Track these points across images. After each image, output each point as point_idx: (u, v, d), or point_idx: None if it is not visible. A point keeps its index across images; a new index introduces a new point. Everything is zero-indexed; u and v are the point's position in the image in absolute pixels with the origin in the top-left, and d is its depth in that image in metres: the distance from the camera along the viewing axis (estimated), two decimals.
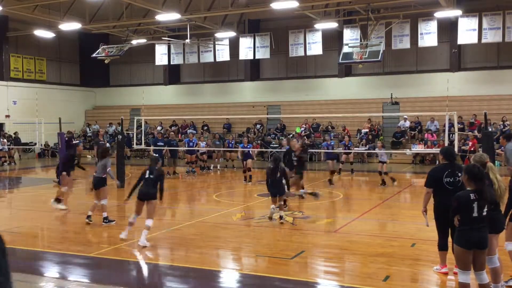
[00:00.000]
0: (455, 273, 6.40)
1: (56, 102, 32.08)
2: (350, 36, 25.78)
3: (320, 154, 26.07)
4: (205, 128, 30.11)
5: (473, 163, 5.97)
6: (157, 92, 33.77)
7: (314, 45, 27.11)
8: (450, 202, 5.67)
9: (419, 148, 24.26)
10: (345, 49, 21.96)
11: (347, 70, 29.42)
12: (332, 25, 25.81)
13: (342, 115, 26.06)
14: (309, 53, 27.43)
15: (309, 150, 21.83)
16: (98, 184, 10.78)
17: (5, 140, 26.69)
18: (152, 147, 21.22)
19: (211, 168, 22.99)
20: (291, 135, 26.28)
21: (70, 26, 25.94)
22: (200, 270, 7.44)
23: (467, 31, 24.37)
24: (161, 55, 31.01)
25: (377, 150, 17.59)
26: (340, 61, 22.44)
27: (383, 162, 16.74)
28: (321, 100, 29.40)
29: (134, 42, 28.61)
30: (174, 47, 30.48)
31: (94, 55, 27.28)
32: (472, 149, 21.28)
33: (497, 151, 15.00)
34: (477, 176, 5.47)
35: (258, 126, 29.65)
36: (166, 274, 7.50)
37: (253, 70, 31.94)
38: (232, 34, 28.12)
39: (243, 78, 32.23)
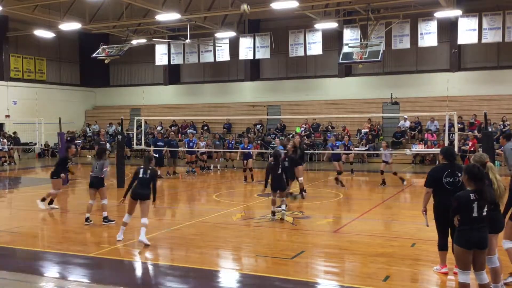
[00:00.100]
0: (455, 273, 6.40)
1: (56, 102, 32.09)
2: (350, 36, 25.78)
3: (320, 155, 26.10)
4: (205, 128, 30.12)
5: (473, 163, 5.97)
6: (157, 92, 33.78)
7: (314, 45, 27.11)
8: (450, 202, 5.67)
9: (419, 148, 24.27)
10: (345, 49, 21.96)
11: (347, 70, 29.42)
12: (332, 25, 25.81)
13: (342, 115, 26.08)
14: (309, 53, 27.44)
15: (306, 151, 21.78)
16: (97, 184, 10.77)
17: (5, 140, 26.71)
18: (152, 147, 21.21)
19: (211, 168, 23.00)
20: (291, 135, 26.30)
21: (70, 26, 25.95)
22: (200, 270, 7.44)
23: (467, 31, 24.37)
24: (161, 55, 31.01)
25: (381, 151, 17.67)
26: (340, 61, 22.45)
27: (386, 162, 16.77)
28: (321, 100, 29.40)
29: (134, 42, 28.61)
30: (174, 47, 30.48)
31: (94, 55, 27.30)
32: (472, 149, 21.28)
33: (497, 151, 14.99)
34: (477, 176, 5.47)
35: (258, 126, 29.66)
36: (166, 274, 7.50)
37: (253, 70, 31.95)
38: (232, 34, 28.12)
39: (243, 78, 32.24)
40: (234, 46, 28.75)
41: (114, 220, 10.68)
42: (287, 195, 12.28)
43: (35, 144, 27.33)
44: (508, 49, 25.90)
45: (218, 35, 28.20)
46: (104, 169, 10.72)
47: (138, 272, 7.91)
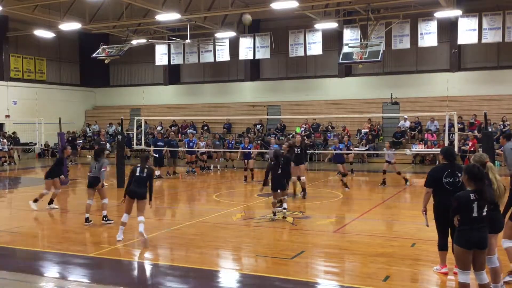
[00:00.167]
0: (455, 273, 6.40)
1: (56, 102, 32.09)
2: (350, 36, 25.79)
3: (320, 155, 26.10)
4: (205, 128, 30.12)
5: (473, 163, 5.97)
6: (157, 92, 33.78)
7: (314, 45, 27.12)
8: (450, 202, 5.67)
9: (419, 148, 24.27)
10: (345, 49, 21.97)
11: (347, 70, 29.42)
12: (332, 25, 25.81)
13: (342, 115, 26.08)
14: (309, 53, 27.45)
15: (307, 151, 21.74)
16: (97, 184, 10.77)
17: (5, 140, 26.71)
18: (152, 147, 21.21)
19: (211, 168, 23.00)
20: (291, 135, 26.30)
21: (70, 26, 25.95)
22: (200, 270, 7.44)
23: (467, 31, 24.38)
24: (161, 55, 31.03)
25: (385, 151, 17.77)
26: (340, 61, 22.45)
27: (389, 162, 16.83)
28: (321, 100, 29.40)
29: (134, 42, 28.62)
30: (174, 47, 30.49)
31: (94, 55, 27.31)
32: (472, 149, 21.28)
33: (497, 151, 15.00)
34: (477, 176, 5.48)
35: (258, 126, 29.66)
36: (166, 274, 7.50)
37: (253, 70, 31.95)
38: (232, 34, 28.13)
39: (243, 78, 32.23)
40: (234, 46, 28.75)
41: (112, 220, 10.68)
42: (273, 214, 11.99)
43: (35, 144, 27.34)
44: (508, 49, 25.90)
45: (218, 35, 28.20)
46: (102, 169, 10.71)
47: (138, 272, 7.91)
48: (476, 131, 22.99)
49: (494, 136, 17.41)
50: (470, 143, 22.27)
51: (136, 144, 21.11)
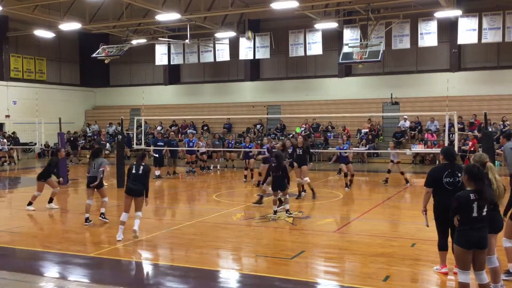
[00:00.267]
0: (455, 273, 6.40)
1: (56, 102, 32.09)
2: (350, 36, 25.80)
3: (320, 154, 26.09)
4: (205, 128, 30.12)
5: (473, 163, 5.97)
6: (157, 92, 33.78)
7: (314, 45, 27.12)
8: (450, 202, 5.67)
9: (419, 148, 24.26)
10: (345, 49, 21.97)
11: (347, 70, 29.42)
12: (332, 25, 25.81)
13: (342, 115, 26.07)
14: (309, 53, 27.45)
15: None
16: (97, 184, 10.77)
17: (5, 140, 26.71)
18: (152, 147, 21.21)
19: (211, 168, 23.00)
20: (291, 135, 26.30)
21: (70, 26, 25.95)
22: (200, 270, 7.44)
23: (467, 31, 24.39)
24: (161, 55, 31.03)
25: (389, 150, 17.87)
26: (340, 61, 22.46)
27: (393, 162, 16.92)
28: (321, 100, 29.40)
29: (134, 42, 28.61)
30: (174, 47, 30.49)
31: (94, 55, 27.30)
32: (472, 149, 21.29)
33: (497, 151, 14.99)
34: (477, 176, 5.48)
35: (258, 126, 29.66)
36: (166, 274, 7.50)
37: (253, 70, 31.94)
38: (232, 34, 28.12)
39: (243, 78, 32.23)
40: (234, 46, 28.75)
41: (108, 220, 10.70)
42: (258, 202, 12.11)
43: (35, 144, 27.34)
44: (508, 49, 25.89)
45: (218, 35, 28.20)
46: (101, 169, 10.71)
47: (138, 272, 7.91)
48: (476, 131, 22.99)
49: (494, 136, 17.41)
50: (470, 143, 22.27)
51: (136, 144, 21.11)
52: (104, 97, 36.08)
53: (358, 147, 25.11)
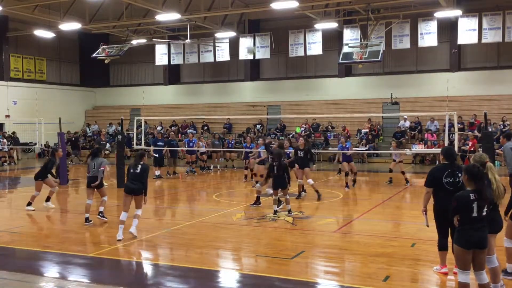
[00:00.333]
0: (455, 273, 6.40)
1: (56, 102, 32.09)
2: (350, 36, 25.79)
3: (320, 154, 26.08)
4: (205, 128, 30.12)
5: (473, 163, 5.97)
6: (157, 92, 33.78)
7: (314, 45, 27.12)
8: (450, 202, 5.67)
9: (419, 148, 24.26)
10: (345, 49, 21.98)
11: (347, 70, 29.42)
12: (332, 25, 25.81)
13: (342, 115, 26.08)
14: (309, 53, 27.44)
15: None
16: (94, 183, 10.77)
17: (5, 140, 26.71)
18: (152, 147, 21.21)
19: (211, 168, 23.00)
20: (291, 135, 26.31)
21: (70, 26, 25.95)
22: (200, 270, 7.44)
23: (467, 31, 24.38)
24: (161, 55, 31.02)
25: (391, 150, 17.91)
26: (340, 61, 22.46)
27: (395, 161, 16.98)
28: (321, 100, 29.40)
29: (134, 42, 28.61)
30: (174, 47, 30.48)
31: (94, 55, 27.30)
32: (472, 149, 21.28)
33: (497, 151, 14.99)
34: (477, 176, 5.48)
35: (258, 126, 29.66)
36: (166, 274, 7.50)
37: (253, 70, 31.94)
38: (232, 34, 28.12)
39: (243, 78, 32.23)
40: (234, 46, 28.75)
41: (107, 219, 10.72)
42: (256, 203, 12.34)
43: (35, 144, 27.35)
44: (508, 49, 25.90)
45: (218, 35, 28.20)
46: (101, 168, 10.72)
47: (138, 272, 7.91)
48: (476, 131, 22.98)
49: (494, 136, 17.41)
50: (470, 143, 22.27)
51: (136, 144, 21.11)
52: (104, 97, 36.09)
53: (358, 147, 25.10)
